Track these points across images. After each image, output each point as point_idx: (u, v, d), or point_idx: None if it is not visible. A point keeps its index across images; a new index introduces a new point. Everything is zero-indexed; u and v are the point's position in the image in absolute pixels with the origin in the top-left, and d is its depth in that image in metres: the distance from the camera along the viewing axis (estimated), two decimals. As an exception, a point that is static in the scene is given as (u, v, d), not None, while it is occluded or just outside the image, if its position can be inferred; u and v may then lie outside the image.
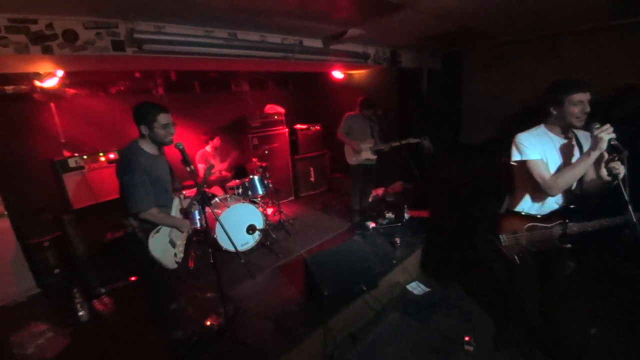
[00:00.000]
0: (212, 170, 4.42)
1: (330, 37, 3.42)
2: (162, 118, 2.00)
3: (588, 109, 1.73)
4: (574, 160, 1.81)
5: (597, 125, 1.64)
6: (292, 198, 5.74)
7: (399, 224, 3.97)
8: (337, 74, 5.15)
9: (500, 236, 2.04)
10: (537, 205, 1.99)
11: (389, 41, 4.07)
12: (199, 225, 3.35)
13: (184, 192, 2.52)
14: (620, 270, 2.84)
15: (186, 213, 2.31)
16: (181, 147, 2.08)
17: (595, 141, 1.62)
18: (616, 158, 1.61)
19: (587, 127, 1.72)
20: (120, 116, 3.98)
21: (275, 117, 5.37)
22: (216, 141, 4.53)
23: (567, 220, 1.84)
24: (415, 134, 4.18)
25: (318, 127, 5.80)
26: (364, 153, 4.11)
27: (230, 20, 2.71)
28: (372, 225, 3.99)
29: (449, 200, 4.31)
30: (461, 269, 3.38)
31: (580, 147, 1.85)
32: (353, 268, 2.69)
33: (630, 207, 1.54)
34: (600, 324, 2.18)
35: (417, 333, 2.61)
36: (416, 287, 3.19)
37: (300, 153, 5.66)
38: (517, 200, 2.06)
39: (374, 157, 4.19)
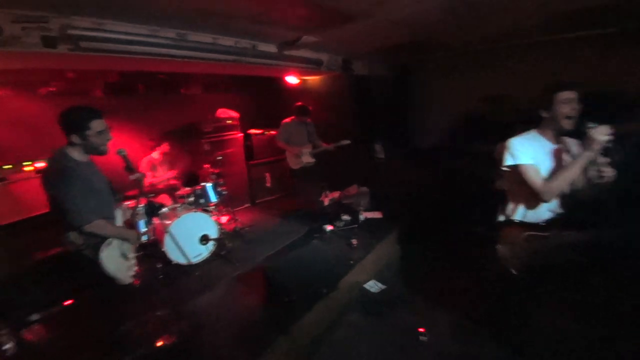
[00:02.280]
0: (160, 179, 4.16)
1: (284, 43, 3.44)
2: (97, 125, 1.81)
3: (578, 107, 1.68)
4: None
5: (593, 125, 1.57)
6: (248, 205, 5.60)
7: (356, 226, 4.08)
8: (292, 79, 5.18)
9: (498, 247, 1.92)
10: (531, 212, 1.90)
11: (342, 49, 4.20)
12: (144, 238, 3.12)
13: (126, 202, 2.33)
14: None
15: (131, 225, 2.15)
16: (124, 153, 1.93)
17: (590, 142, 1.57)
18: (608, 161, 1.57)
19: (581, 127, 1.64)
20: (51, 120, 3.52)
21: (229, 121, 5.22)
22: (164, 147, 4.27)
23: (563, 229, 1.78)
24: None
25: (274, 132, 5.73)
26: (304, 157, 4.39)
27: (178, 20, 2.59)
28: (329, 228, 4.05)
29: (401, 202, 4.55)
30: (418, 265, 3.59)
31: (570, 153, 1.80)
32: (313, 272, 2.70)
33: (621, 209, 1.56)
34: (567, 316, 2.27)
35: (377, 330, 2.69)
36: (373, 286, 3.29)
37: (256, 158, 5.56)
38: (511, 207, 1.98)
39: (313, 160, 4.49)
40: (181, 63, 3.04)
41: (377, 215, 4.42)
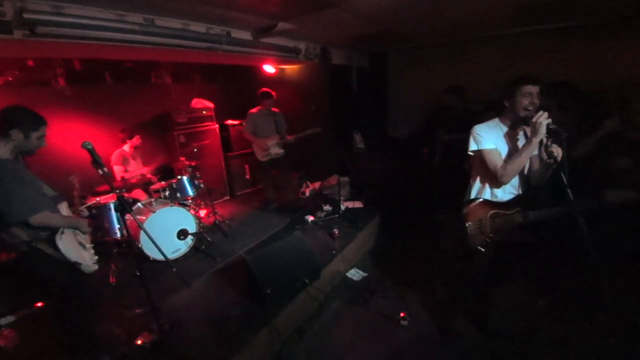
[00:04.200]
0: (133, 173, 3.98)
1: (259, 30, 3.33)
2: (44, 130, 1.83)
3: (536, 102, 1.79)
4: None
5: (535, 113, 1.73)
6: (227, 197, 5.49)
7: (337, 216, 4.09)
8: (269, 69, 5.05)
9: (467, 224, 2.03)
10: (495, 192, 2.04)
11: (319, 38, 4.13)
12: (119, 235, 2.98)
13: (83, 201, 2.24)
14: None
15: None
16: (90, 147, 1.82)
17: (535, 127, 1.70)
18: (553, 141, 1.68)
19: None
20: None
21: (204, 112, 5.04)
22: (136, 140, 4.07)
23: (525, 208, 1.91)
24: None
25: (250, 123, 5.61)
26: (272, 149, 4.31)
27: (145, 4, 2.44)
28: (311, 218, 4.05)
29: (381, 191, 4.60)
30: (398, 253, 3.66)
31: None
32: (294, 263, 2.68)
33: (567, 189, 1.63)
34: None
35: (359, 317, 2.74)
36: (355, 274, 3.34)
37: (234, 150, 5.43)
38: (478, 188, 2.12)
39: (282, 150, 4.42)
40: (150, 50, 2.87)
41: (358, 204, 4.46)
